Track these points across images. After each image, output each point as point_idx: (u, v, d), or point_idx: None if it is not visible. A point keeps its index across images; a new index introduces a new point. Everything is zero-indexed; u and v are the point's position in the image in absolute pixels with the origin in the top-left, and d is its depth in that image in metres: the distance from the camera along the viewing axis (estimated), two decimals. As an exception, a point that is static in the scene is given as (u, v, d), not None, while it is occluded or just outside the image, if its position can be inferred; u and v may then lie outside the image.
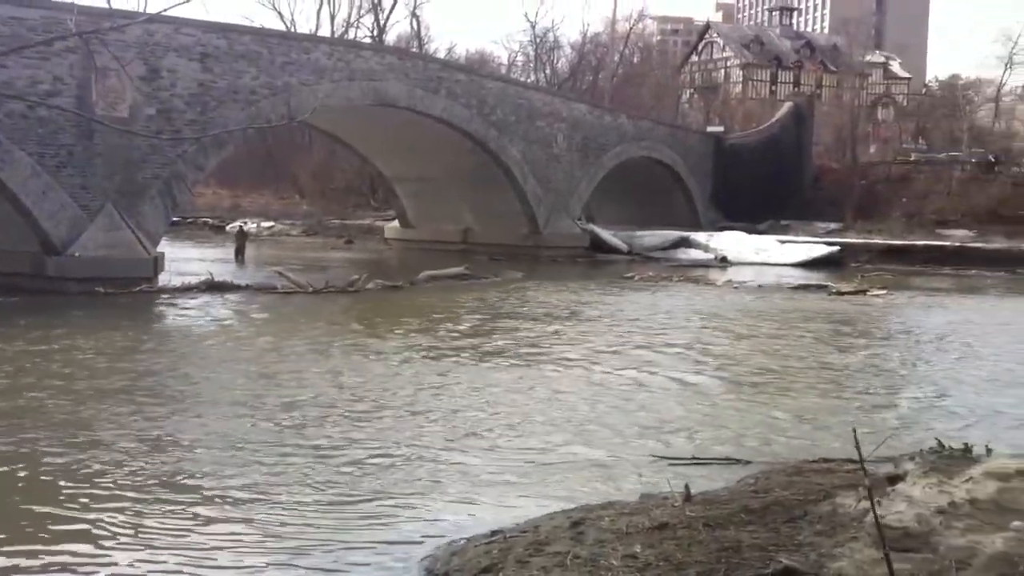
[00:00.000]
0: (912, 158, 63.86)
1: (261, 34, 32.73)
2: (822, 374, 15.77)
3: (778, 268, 40.17)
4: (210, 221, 60.98)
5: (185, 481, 8.88)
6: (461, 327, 20.31)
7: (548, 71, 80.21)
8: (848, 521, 6.33)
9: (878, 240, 47.39)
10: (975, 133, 67.95)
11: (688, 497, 7.17)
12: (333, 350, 16.59)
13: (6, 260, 24.65)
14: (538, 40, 79.39)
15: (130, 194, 26.18)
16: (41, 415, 11.27)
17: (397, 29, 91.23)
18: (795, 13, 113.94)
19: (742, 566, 5.62)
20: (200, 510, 8.06)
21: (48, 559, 7.05)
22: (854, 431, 5.50)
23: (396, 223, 49.19)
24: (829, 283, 32.35)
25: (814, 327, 21.88)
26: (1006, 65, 72.59)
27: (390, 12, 73.71)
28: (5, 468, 9.19)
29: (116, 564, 6.98)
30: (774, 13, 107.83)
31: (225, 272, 29.42)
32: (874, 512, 5.21)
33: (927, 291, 32.80)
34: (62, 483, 8.74)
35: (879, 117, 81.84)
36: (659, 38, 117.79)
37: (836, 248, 43.62)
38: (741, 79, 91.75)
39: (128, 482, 8.78)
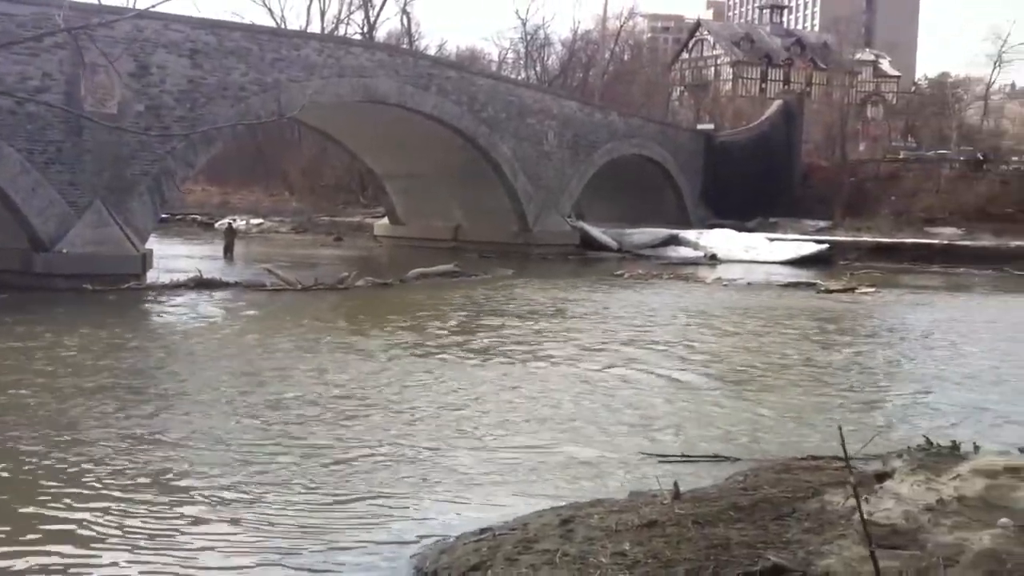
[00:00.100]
0: (901, 156, 64.01)
1: (251, 31, 32.65)
2: (810, 371, 15.80)
3: (767, 266, 40.25)
4: (199, 218, 60.81)
5: (171, 480, 8.82)
6: (450, 324, 20.31)
7: (539, 68, 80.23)
8: (836, 518, 6.35)
9: (867, 238, 47.53)
10: (964, 131, 68.18)
11: (677, 495, 7.18)
12: (321, 348, 16.55)
13: (-6, 257, 24.56)
14: (529, 37, 79.51)
15: (119, 191, 26.09)
16: (23, 413, 11.18)
17: (387, 26, 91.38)
18: (785, 11, 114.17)
19: (731, 563, 5.63)
20: (187, 510, 8.00)
21: (33, 560, 6.97)
22: (840, 429, 5.52)
23: (386, 220, 49.13)
24: (818, 281, 32.42)
25: (802, 325, 21.93)
26: (995, 63, 72.96)
27: (380, 9, 73.58)
28: (-12, 467, 9.11)
29: (103, 565, 6.93)
30: (764, 11, 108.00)
31: (214, 269, 29.34)
32: (859, 510, 5.23)
33: (915, 289, 32.92)
34: (45, 483, 8.66)
35: (868, 115, 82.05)
36: (650, 36, 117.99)
37: (825, 246, 43.74)
38: (731, 77, 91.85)
39: (113, 481, 8.71)
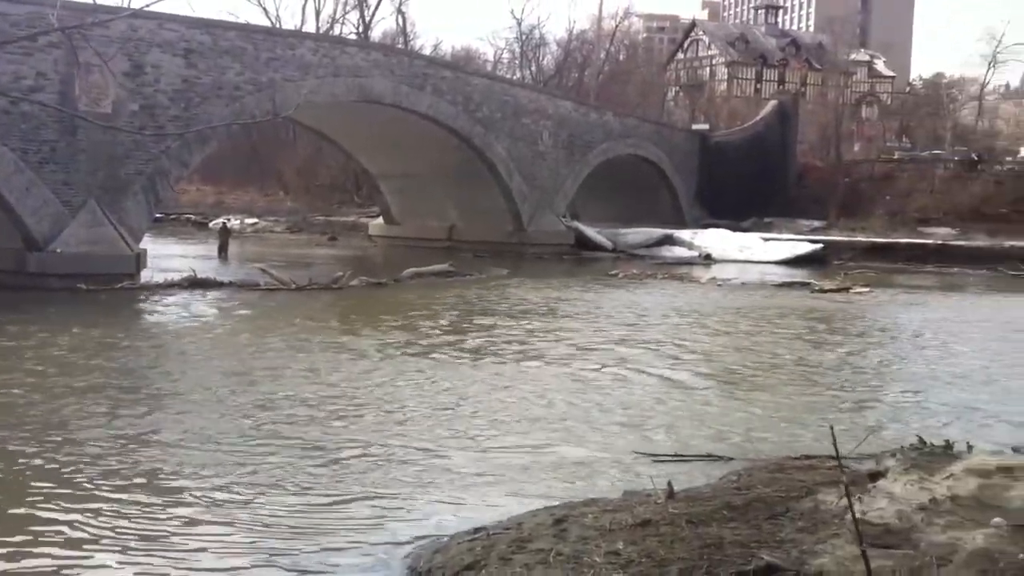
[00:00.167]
0: (896, 156, 64.14)
1: (246, 30, 32.58)
2: (803, 371, 15.82)
3: (762, 266, 40.27)
4: (193, 218, 60.70)
5: (164, 481, 8.79)
6: (444, 324, 20.30)
7: (534, 68, 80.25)
8: (830, 518, 6.36)
9: (861, 238, 47.56)
10: (958, 132, 68.33)
11: (671, 494, 7.18)
12: (315, 347, 16.53)
13: (-13, 256, 24.50)
14: (524, 37, 79.52)
15: (113, 190, 26.04)
16: (13, 412, 11.14)
17: (383, 25, 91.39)
18: (780, 11, 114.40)
19: (724, 563, 5.63)
20: (179, 511, 7.96)
21: (25, 561, 6.93)
22: (831, 428, 5.53)
23: (381, 220, 49.09)
24: (812, 281, 32.45)
25: (796, 324, 21.96)
26: (990, 64, 73.08)
27: (376, 8, 73.64)
28: (-22, 468, 9.04)
29: (95, 567, 6.89)
30: (759, 11, 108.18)
31: (208, 269, 29.32)
32: (851, 509, 5.23)
33: (909, 289, 32.97)
34: (36, 483, 8.61)
35: (863, 115, 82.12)
36: (645, 36, 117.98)
37: (819, 246, 43.77)
38: (726, 77, 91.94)
39: (105, 482, 8.67)
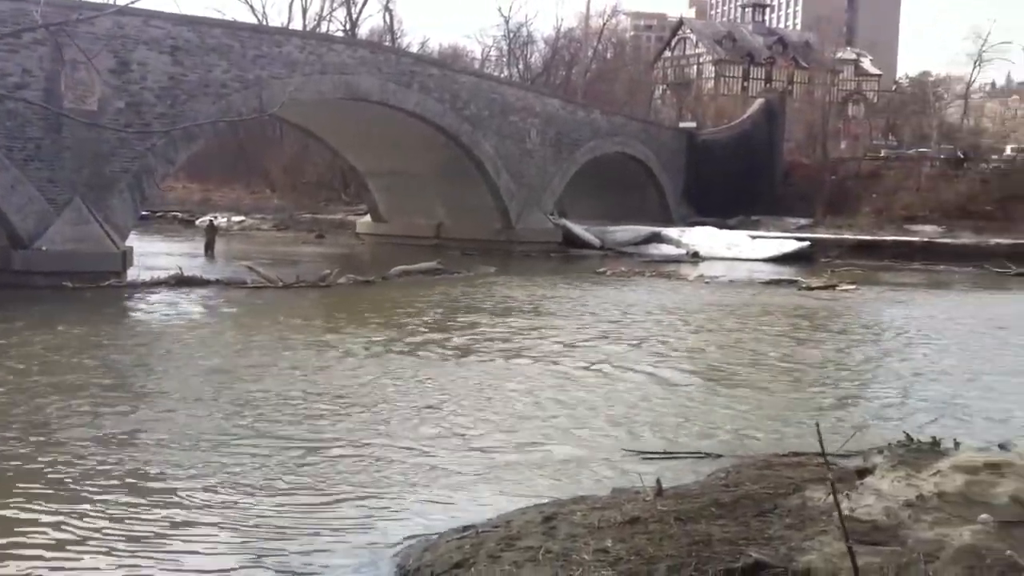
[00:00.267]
0: (882, 154, 64.29)
1: (232, 27, 32.44)
2: (791, 368, 15.87)
3: (749, 263, 40.36)
4: (180, 215, 60.45)
5: (150, 481, 8.72)
6: (432, 322, 20.28)
7: (521, 66, 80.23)
8: (818, 514, 6.37)
9: (848, 235, 47.71)
10: (944, 130, 68.53)
11: (659, 491, 7.19)
12: (302, 346, 16.47)
13: (-28, 255, 24.35)
14: (512, 35, 79.48)
15: (99, 188, 25.92)
16: (-3, 411, 11.04)
17: (370, 23, 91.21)
18: (767, 9, 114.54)
19: (712, 560, 5.63)
20: (166, 511, 7.90)
21: (11, 564, 6.85)
22: (817, 425, 5.54)
23: (368, 218, 49.01)
24: (799, 278, 32.54)
25: (783, 322, 22.02)
26: (975, 62, 73.30)
27: (363, 6, 73.57)
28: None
29: (83, 568, 6.84)
30: (747, 9, 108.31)
31: (195, 267, 29.20)
32: (837, 506, 5.24)
33: (895, 286, 33.09)
34: (21, 484, 8.51)
35: (850, 113, 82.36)
36: (632, 34, 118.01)
37: (806, 243, 43.89)
38: (714, 75, 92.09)
39: (90, 482, 8.60)
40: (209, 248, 37.33)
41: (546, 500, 7.71)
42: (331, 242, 48.82)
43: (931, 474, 6.71)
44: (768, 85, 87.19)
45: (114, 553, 7.04)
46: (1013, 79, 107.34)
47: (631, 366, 15.40)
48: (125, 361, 14.85)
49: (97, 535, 7.36)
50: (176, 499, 8.21)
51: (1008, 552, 5.38)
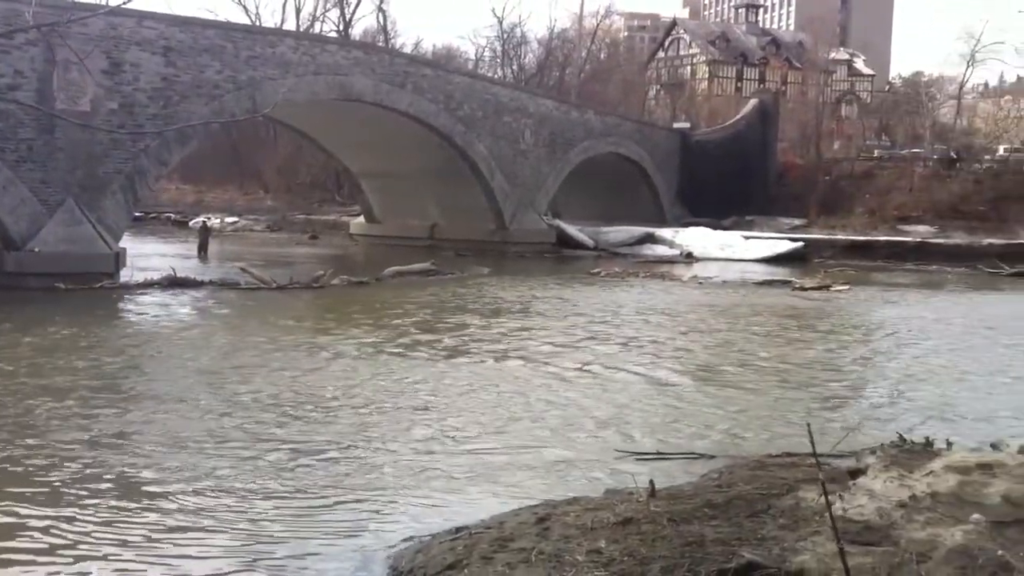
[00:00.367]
0: (875, 155, 64.44)
1: (226, 28, 32.42)
2: (783, 369, 15.87)
3: (743, 264, 40.43)
4: (173, 217, 60.43)
5: (142, 484, 8.67)
6: (425, 323, 20.25)
7: (515, 67, 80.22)
8: (811, 515, 6.37)
9: (841, 236, 47.83)
10: (937, 130, 68.70)
11: (652, 492, 7.18)
12: (295, 347, 16.43)
13: (-35, 256, 24.28)
14: (505, 36, 79.47)
15: (91, 189, 25.87)
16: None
17: (363, 23, 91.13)
18: (761, 10, 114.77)
19: (705, 560, 5.63)
20: (158, 514, 7.86)
21: (1, 570, 6.81)
22: (808, 426, 5.54)
23: (362, 219, 48.98)
24: (792, 279, 32.57)
25: (776, 322, 22.04)
26: (968, 63, 73.43)
27: (356, 6, 73.37)
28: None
29: (73, 574, 6.77)
30: (740, 10, 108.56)
31: (187, 268, 29.15)
32: (828, 507, 5.24)
33: (888, 286, 33.15)
34: (9, 488, 8.41)
35: (843, 114, 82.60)
36: (626, 34, 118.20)
37: (800, 244, 43.97)
38: (707, 75, 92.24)
39: (81, 485, 8.53)
40: (202, 249, 37.27)
41: (539, 501, 7.70)
42: (325, 243, 48.79)
43: (924, 474, 6.71)
44: (762, 85, 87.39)
45: (105, 557, 6.98)
46: (1006, 79, 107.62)
47: (625, 367, 15.40)
48: (117, 363, 14.79)
49: (87, 539, 7.31)
50: (167, 502, 8.16)
51: (1000, 552, 5.39)
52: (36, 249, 24.26)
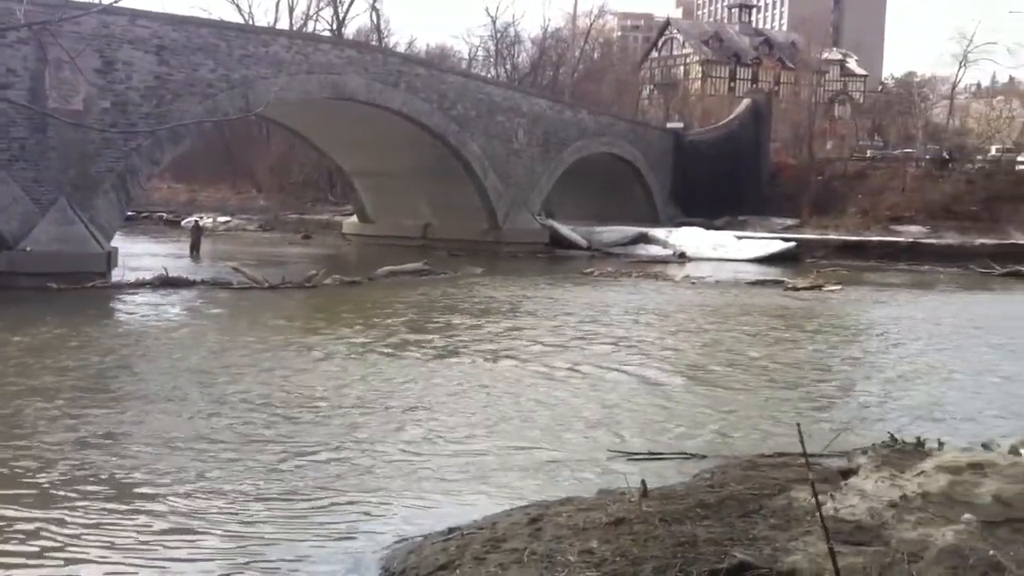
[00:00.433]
0: (868, 155, 64.55)
1: (219, 27, 32.34)
2: (774, 369, 15.88)
3: (735, 264, 40.45)
4: (166, 216, 60.34)
5: (132, 486, 8.62)
6: (417, 323, 20.22)
7: (509, 66, 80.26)
8: (802, 515, 6.38)
9: (833, 236, 47.92)
10: (930, 130, 68.86)
11: (645, 492, 7.18)
12: (285, 347, 16.38)
13: (-44, 255, 24.20)
14: (499, 35, 79.53)
15: (84, 188, 25.80)
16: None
17: (357, 22, 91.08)
18: (754, 10, 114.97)
19: (698, 560, 5.63)
20: (148, 517, 7.81)
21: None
22: (798, 426, 5.55)
23: (355, 218, 48.94)
24: (785, 279, 32.61)
25: (769, 322, 22.06)
26: (960, 63, 73.55)
27: (349, 5, 73.61)
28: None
29: (60, 575, 6.75)
30: (733, 10, 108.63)
31: (180, 267, 29.10)
32: (818, 507, 5.25)
33: (880, 287, 33.21)
34: (-1, 489, 8.41)
35: (836, 114, 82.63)
36: (619, 34, 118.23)
37: (792, 244, 44.03)
38: (700, 75, 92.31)
39: (71, 487, 8.47)
40: (195, 249, 37.20)
41: (532, 501, 7.69)
42: (317, 243, 48.72)
43: (915, 474, 6.73)
44: (755, 85, 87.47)
45: (95, 560, 6.94)
46: (998, 80, 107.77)
47: (617, 367, 15.39)
48: (106, 362, 14.73)
49: (77, 541, 7.27)
50: (158, 504, 8.12)
51: (991, 552, 5.40)
52: (28, 248, 24.20)
